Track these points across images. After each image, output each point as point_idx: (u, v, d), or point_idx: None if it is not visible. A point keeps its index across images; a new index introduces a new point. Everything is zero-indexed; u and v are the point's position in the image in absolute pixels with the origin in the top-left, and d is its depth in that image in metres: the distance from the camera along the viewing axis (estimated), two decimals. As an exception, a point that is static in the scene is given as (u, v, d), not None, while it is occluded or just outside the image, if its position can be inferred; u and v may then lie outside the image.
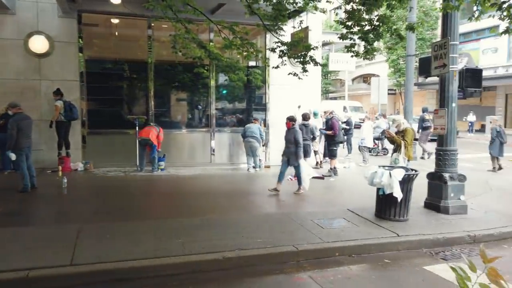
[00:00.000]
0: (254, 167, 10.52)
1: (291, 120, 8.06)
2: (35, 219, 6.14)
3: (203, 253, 4.56)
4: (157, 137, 9.91)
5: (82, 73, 10.16)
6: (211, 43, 9.16)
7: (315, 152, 11.37)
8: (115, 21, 10.83)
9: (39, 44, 9.74)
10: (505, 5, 4.97)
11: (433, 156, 7.12)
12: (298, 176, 7.95)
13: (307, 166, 8.04)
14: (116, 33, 11.22)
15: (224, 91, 12.13)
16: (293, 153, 7.81)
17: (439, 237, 5.42)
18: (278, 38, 7.09)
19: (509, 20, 5.13)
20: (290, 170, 10.15)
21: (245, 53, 7.19)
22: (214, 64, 10.43)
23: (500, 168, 11.35)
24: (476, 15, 5.31)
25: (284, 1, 6.63)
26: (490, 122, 12.11)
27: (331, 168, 10.11)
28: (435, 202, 6.62)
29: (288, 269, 4.50)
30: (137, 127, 10.20)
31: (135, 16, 10.13)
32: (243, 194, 7.97)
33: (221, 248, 4.67)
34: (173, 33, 7.07)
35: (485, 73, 8.62)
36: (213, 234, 5.21)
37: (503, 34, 5.47)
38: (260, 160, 10.78)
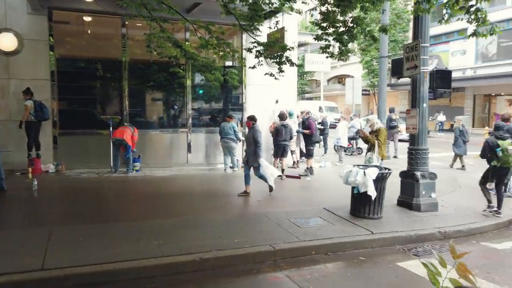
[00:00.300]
0: (231, 167, 10.50)
1: (251, 119, 7.92)
2: (4, 223, 5.90)
3: (180, 254, 4.52)
4: (131, 137, 9.75)
5: (53, 72, 9.86)
6: (187, 43, 9.08)
7: (292, 152, 11.46)
8: (87, 18, 10.57)
9: (7, 41, 9.38)
10: (472, 9, 5.16)
11: (402, 155, 7.29)
12: (261, 177, 7.77)
13: (268, 165, 7.84)
14: (89, 31, 10.96)
15: (201, 91, 12.05)
16: (252, 153, 7.67)
17: (411, 234, 5.58)
18: (254, 38, 7.11)
19: (476, 23, 5.34)
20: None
21: (221, 53, 7.17)
22: (190, 63, 10.35)
23: (452, 166, 11.93)
24: (445, 18, 5.49)
25: (260, 2, 6.65)
26: (454, 121, 12.67)
27: (307, 168, 10.21)
28: (408, 200, 6.81)
29: (265, 268, 4.52)
30: (111, 127, 10.00)
31: (109, 14, 9.91)
32: (220, 194, 7.94)
33: (198, 249, 4.65)
34: (147, 32, 6.96)
35: (454, 75, 8.94)
36: (190, 235, 5.17)
37: (470, 37, 5.67)
38: (237, 160, 10.77)
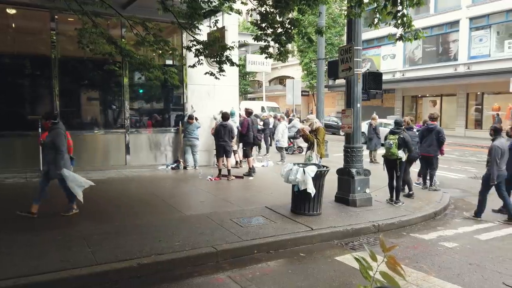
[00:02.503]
0: (194, 166, 10.71)
1: (48, 118, 6.30)
2: None
3: (116, 261, 4.31)
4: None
5: (-27, 68, 8.97)
6: (123, 39, 8.71)
7: (234, 152, 11.48)
8: (11, 11, 9.73)
9: None
10: (399, 14, 5.52)
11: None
12: (67, 192, 6.18)
13: (74, 176, 6.09)
14: (13, 25, 10.10)
15: (140, 90, 11.65)
16: (52, 161, 6.09)
17: (348, 228, 5.81)
18: (193, 37, 6.99)
19: (402, 28, 5.71)
20: (208, 171, 10.10)
21: (159, 51, 6.96)
22: (126, 61, 9.93)
23: (372, 161, 12.86)
24: (375, 22, 5.79)
25: (199, 0, 6.55)
26: (372, 119, 13.65)
27: (249, 168, 10.26)
28: (345, 196, 7.10)
29: (207, 270, 4.46)
30: (40, 129, 9.29)
31: (35, 7, 9.21)
32: (160, 197, 7.69)
33: (136, 255, 4.47)
34: (79, 27, 6.56)
35: (385, 77, 9.46)
36: (128, 241, 4.95)
37: (397, 41, 6.06)
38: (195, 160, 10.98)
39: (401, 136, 7.23)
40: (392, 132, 7.41)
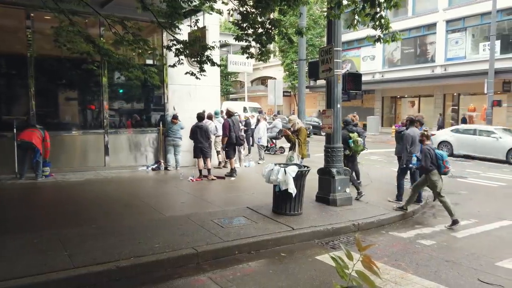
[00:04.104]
0: (175, 167, 10.70)
1: None
2: None
3: (94, 264, 4.22)
4: (44, 143, 8.97)
5: None
6: (101, 38, 8.56)
7: (218, 152, 11.45)
8: (-17, 8, 9.43)
9: None
10: (377, 16, 5.61)
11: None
12: None
13: None
14: (-14, 23, 9.80)
15: (120, 90, 11.46)
16: None
17: (328, 228, 5.87)
18: (173, 36, 6.93)
19: (380, 30, 5.81)
20: (190, 172, 10.06)
21: (139, 50, 6.88)
22: (105, 60, 9.76)
23: None
24: (354, 23, 5.86)
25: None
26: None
27: (231, 168, 10.24)
28: (325, 196, 7.16)
29: (188, 272, 4.42)
30: (15, 129, 9.03)
31: (10, 5, 8.94)
32: (138, 198, 7.58)
33: (115, 257, 4.39)
34: (55, 26, 6.41)
35: (364, 78, 9.61)
36: (106, 243, 4.86)
37: (376, 42, 6.15)
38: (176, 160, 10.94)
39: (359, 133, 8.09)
40: (351, 131, 7.93)
